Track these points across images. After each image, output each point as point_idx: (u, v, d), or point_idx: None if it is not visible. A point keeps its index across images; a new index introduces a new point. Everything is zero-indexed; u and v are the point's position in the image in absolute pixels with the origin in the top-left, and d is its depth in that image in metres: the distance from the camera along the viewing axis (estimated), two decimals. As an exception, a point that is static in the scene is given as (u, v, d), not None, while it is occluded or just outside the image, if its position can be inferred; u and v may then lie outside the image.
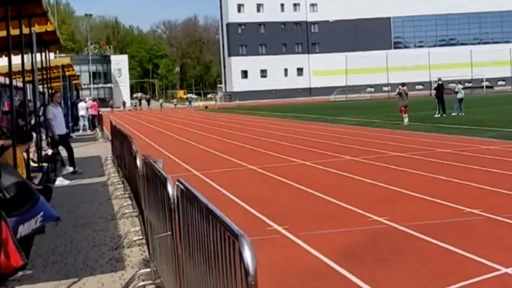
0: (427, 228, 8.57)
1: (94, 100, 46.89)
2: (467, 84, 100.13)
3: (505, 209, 9.56)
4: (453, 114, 35.63)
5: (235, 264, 2.79)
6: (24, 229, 6.09)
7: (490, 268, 6.63)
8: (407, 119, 30.37)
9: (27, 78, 17.10)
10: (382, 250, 7.66)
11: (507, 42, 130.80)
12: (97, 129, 37.73)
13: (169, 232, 4.63)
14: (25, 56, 12.61)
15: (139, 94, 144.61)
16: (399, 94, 31.88)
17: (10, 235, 5.49)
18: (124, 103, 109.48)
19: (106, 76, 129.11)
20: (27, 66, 14.98)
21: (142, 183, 6.58)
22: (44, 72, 19.14)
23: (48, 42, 16.74)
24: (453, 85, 62.33)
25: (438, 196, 10.85)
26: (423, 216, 9.39)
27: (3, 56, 16.31)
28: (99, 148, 25.57)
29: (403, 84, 33.47)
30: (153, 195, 5.72)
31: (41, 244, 8.63)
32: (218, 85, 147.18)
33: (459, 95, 37.13)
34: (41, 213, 6.34)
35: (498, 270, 6.57)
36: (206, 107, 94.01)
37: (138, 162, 6.69)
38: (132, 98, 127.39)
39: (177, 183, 4.39)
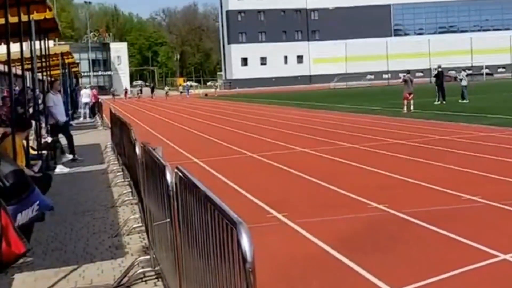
0: (427, 215, 8.58)
1: (92, 88, 46.84)
2: (467, 71, 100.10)
3: (504, 196, 9.57)
4: (466, 101, 35.56)
5: (233, 251, 2.79)
6: (22, 218, 6.11)
7: (489, 255, 6.64)
8: (412, 106, 30.31)
9: (26, 66, 17.09)
10: (382, 237, 7.67)
11: (507, 29, 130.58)
12: (97, 117, 37.71)
13: (168, 219, 4.64)
14: (24, 43, 12.60)
15: (139, 82, 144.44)
16: (405, 81, 31.88)
17: (10, 223, 5.50)
18: (126, 91, 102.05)
19: (106, 64, 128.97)
20: (26, 54, 14.97)
21: (141, 170, 6.59)
22: (43, 60, 19.11)
23: (47, 29, 16.71)
24: (453, 72, 62.07)
25: (437, 183, 10.86)
26: (422, 203, 9.40)
27: (2, 43, 16.28)
28: (99, 135, 25.56)
29: (408, 72, 33.51)
30: (152, 182, 5.73)
31: (40, 232, 8.63)
32: (218, 73, 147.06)
33: (464, 82, 37.06)
34: (37, 202, 6.37)
35: (497, 256, 6.58)
36: (206, 94, 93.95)
37: (137, 150, 6.69)
38: (132, 85, 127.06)
39: (175, 170, 4.39)
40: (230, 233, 2.82)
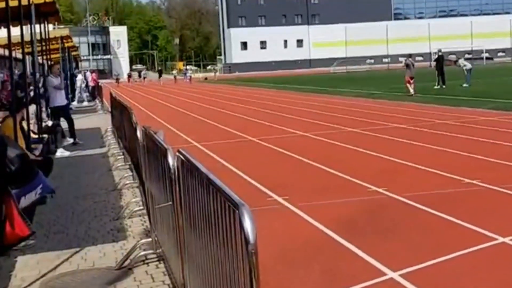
0: (426, 198, 8.62)
1: (92, 72, 46.79)
2: (467, 56, 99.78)
3: (503, 180, 9.62)
4: (466, 85, 35.48)
5: (235, 233, 2.83)
6: (25, 201, 6.16)
7: (488, 238, 6.69)
8: (413, 91, 30.38)
9: (26, 50, 17.08)
10: (382, 221, 7.72)
11: (507, 13, 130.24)
12: (97, 101, 37.74)
13: (170, 202, 4.67)
14: (24, 27, 12.59)
15: (139, 66, 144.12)
16: (407, 65, 31.86)
17: (15, 206, 5.56)
18: (130, 75, 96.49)
19: (105, 48, 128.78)
20: (26, 38, 14.96)
21: (143, 154, 6.62)
22: (43, 43, 19.10)
23: (47, 13, 16.72)
24: (453, 56, 61.81)
25: (437, 167, 10.90)
26: (422, 187, 9.45)
27: (2, 27, 16.28)
28: (99, 119, 25.58)
29: (409, 55, 33.50)
30: (154, 166, 5.76)
31: (42, 215, 8.69)
32: (218, 57, 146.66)
33: (468, 66, 36.88)
34: (40, 185, 6.41)
35: (496, 239, 6.63)
36: (206, 78, 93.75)
37: (139, 134, 6.71)
38: (131, 69, 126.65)
39: (177, 154, 4.42)
40: (232, 215, 2.86)
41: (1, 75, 23.97)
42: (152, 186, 6.12)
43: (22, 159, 6.22)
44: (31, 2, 13.33)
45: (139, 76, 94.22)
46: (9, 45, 10.33)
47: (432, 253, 6.26)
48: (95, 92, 40.58)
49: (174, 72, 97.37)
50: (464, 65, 36.91)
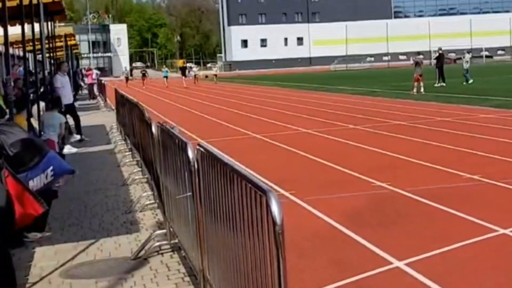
0: (429, 192, 8.89)
1: (90, 69, 46.73)
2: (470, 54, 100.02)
3: (503, 175, 9.90)
4: (470, 81, 35.71)
5: (262, 217, 3.10)
6: (35, 184, 6.15)
7: (489, 229, 6.97)
8: (422, 88, 30.39)
9: (29, 48, 17.36)
10: (387, 213, 8.00)
11: (507, 11, 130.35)
12: (99, 98, 37.95)
13: (190, 193, 4.93)
14: (27, 26, 12.85)
15: (139, 63, 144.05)
16: (416, 63, 31.89)
17: (22, 186, 5.53)
18: (128, 76, 71.69)
19: (106, 46, 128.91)
20: (31, 36, 15.21)
21: (157, 149, 6.88)
22: (50, 41, 19.35)
23: (53, 12, 16.97)
24: (453, 54, 61.83)
25: (439, 163, 11.17)
26: (424, 182, 9.72)
27: (9, 26, 16.49)
28: (103, 117, 25.83)
29: (418, 53, 33.53)
30: (170, 160, 6.02)
31: (55, 208, 8.92)
32: (218, 55, 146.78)
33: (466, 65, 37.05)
34: (51, 167, 6.36)
35: (497, 231, 6.91)
36: (206, 76, 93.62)
37: (154, 130, 6.97)
38: (131, 67, 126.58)
39: (198, 147, 4.69)
40: (259, 200, 3.13)
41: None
42: (168, 180, 6.38)
43: (24, 143, 6.19)
44: (40, 0, 13.56)
45: (144, 75, 64.66)
46: (23, 42, 10.58)
47: (436, 243, 6.53)
48: (92, 90, 40.62)
49: (195, 69, 79.19)
50: (467, 62, 37.09)
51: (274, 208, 2.90)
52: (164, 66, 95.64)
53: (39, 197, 5.56)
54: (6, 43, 9.42)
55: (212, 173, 4.24)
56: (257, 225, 3.19)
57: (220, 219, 4.12)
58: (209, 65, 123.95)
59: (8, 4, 10.29)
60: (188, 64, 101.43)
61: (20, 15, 10.45)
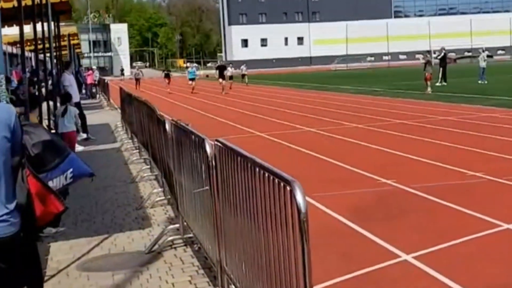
0: (433, 189, 9.08)
1: (89, 69, 46.69)
2: (466, 54, 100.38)
3: (505, 172, 10.09)
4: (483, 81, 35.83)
5: (285, 206, 3.29)
6: (54, 185, 6.26)
7: (493, 225, 7.17)
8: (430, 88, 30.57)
9: (40, 47, 17.49)
10: (392, 209, 8.20)
11: (507, 11, 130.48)
12: (102, 97, 38.10)
13: (207, 187, 5.11)
14: (30, 26, 13.03)
15: (139, 63, 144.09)
16: (427, 61, 31.81)
17: (43, 185, 5.66)
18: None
19: (106, 45, 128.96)
20: (39, 35, 15.39)
21: (171, 146, 7.06)
22: (55, 40, 19.50)
23: (59, 11, 17.14)
24: (453, 54, 61.53)
25: (442, 161, 11.36)
26: (428, 179, 9.91)
27: (14, 25, 16.67)
28: (107, 115, 26.02)
29: (428, 52, 33.38)
30: (185, 155, 6.21)
31: (67, 205, 9.07)
32: (218, 54, 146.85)
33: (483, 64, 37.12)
34: (71, 169, 6.48)
35: (500, 226, 7.11)
36: (207, 75, 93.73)
37: (167, 127, 7.15)
38: (131, 66, 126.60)
39: (216, 142, 4.87)
40: (282, 190, 3.31)
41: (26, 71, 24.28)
42: (182, 175, 6.56)
43: (45, 144, 6.32)
44: (48, 0, 13.74)
45: (167, 76, 51.20)
46: (35, 40, 10.74)
47: (442, 237, 6.73)
48: (92, 90, 40.95)
49: (231, 69, 55.46)
50: (484, 59, 37.12)
51: (299, 196, 3.10)
52: (187, 64, 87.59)
53: (59, 195, 5.72)
54: (22, 42, 9.57)
55: (232, 167, 4.41)
56: (280, 214, 3.38)
57: (239, 211, 4.29)
58: (209, 64, 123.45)
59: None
60: (193, 64, 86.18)
61: (32, 14, 10.59)
